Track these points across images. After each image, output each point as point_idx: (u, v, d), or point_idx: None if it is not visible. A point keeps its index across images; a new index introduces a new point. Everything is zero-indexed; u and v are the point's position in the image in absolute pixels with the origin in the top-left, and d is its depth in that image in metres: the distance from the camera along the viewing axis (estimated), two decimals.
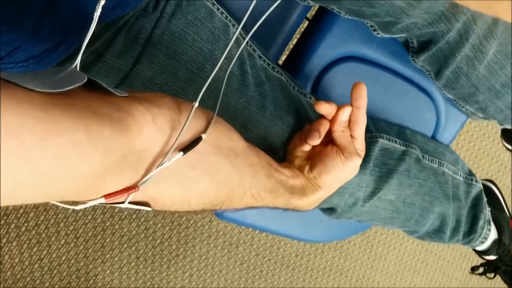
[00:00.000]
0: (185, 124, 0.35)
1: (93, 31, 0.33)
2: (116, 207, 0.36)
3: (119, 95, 0.34)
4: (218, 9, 0.54)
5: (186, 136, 0.36)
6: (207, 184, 0.39)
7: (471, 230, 0.77)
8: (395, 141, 0.68)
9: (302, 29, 0.76)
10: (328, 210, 0.67)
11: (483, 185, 0.82)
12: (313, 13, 0.74)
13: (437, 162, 0.72)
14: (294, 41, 0.75)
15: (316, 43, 0.69)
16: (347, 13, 0.59)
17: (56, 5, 0.39)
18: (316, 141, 0.50)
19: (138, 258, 1.53)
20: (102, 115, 0.30)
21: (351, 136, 0.52)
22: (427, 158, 0.71)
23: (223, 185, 0.40)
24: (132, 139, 0.32)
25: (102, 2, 0.32)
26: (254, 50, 0.58)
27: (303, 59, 0.70)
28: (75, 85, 0.29)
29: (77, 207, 0.34)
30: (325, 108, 0.50)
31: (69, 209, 1.40)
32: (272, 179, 0.45)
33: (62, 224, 1.42)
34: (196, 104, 0.37)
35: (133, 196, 0.35)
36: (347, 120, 0.52)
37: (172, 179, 0.36)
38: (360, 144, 0.53)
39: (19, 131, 0.25)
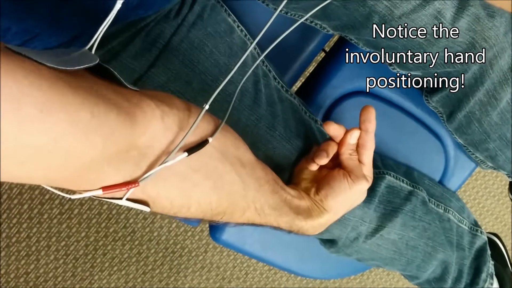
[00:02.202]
0: (193, 124, 0.35)
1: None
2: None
3: (130, 87, 0.33)
4: (238, 26, 0.55)
5: (192, 138, 0.36)
6: (209, 190, 0.37)
7: (473, 282, 0.75)
8: (402, 180, 0.67)
9: (319, 59, 0.77)
10: (329, 242, 0.65)
11: (488, 238, 0.80)
12: (331, 44, 0.75)
13: (443, 208, 0.71)
14: (310, 69, 0.76)
15: (331, 74, 0.70)
16: (365, 45, 0.59)
17: None
18: (323, 160, 0.49)
19: (127, 282, 1.49)
20: (109, 100, 0.29)
21: (359, 160, 0.52)
22: (433, 202, 0.70)
23: (226, 193, 0.39)
24: (138, 132, 0.31)
25: None
26: (269, 70, 0.58)
27: (317, 88, 0.70)
28: (87, 65, 0.29)
29: (73, 196, 0.33)
30: (334, 129, 0.50)
31: (62, 224, 1.37)
32: (277, 196, 0.44)
33: (54, 239, 1.39)
34: (207, 107, 0.36)
35: (132, 193, 0.34)
36: (355, 143, 0.51)
37: (173, 180, 0.35)
38: (367, 170, 0.52)
39: (18, 98, 0.23)
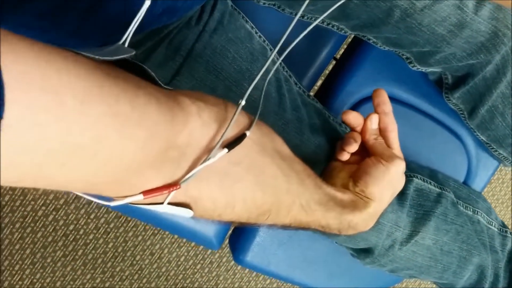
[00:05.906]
0: (232, 118, 0.32)
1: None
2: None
3: (163, 86, 0.31)
4: (256, 32, 0.54)
5: (229, 133, 0.34)
6: (252, 185, 0.35)
7: (511, 286, 0.72)
8: (430, 183, 0.65)
9: (331, 66, 0.76)
10: (363, 253, 0.62)
11: None
12: (342, 50, 0.74)
13: (471, 210, 0.69)
14: (322, 77, 0.75)
15: (345, 81, 0.68)
16: (384, 43, 0.58)
17: (103, 2, 0.37)
18: (353, 146, 0.49)
19: None
20: (149, 93, 0.27)
21: (387, 145, 0.51)
22: (461, 204, 0.68)
23: (269, 187, 0.36)
24: (177, 128, 0.29)
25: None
26: (290, 76, 0.57)
27: (332, 95, 0.68)
28: (125, 55, 0.27)
29: (112, 204, 0.30)
30: (353, 117, 0.49)
31: (67, 267, 1.32)
32: (321, 191, 0.41)
33: (58, 284, 1.33)
34: (243, 102, 0.34)
35: (174, 196, 0.31)
36: (377, 128, 0.51)
37: (215, 178, 0.33)
38: (398, 152, 0.51)
39: (58, 89, 0.21)
